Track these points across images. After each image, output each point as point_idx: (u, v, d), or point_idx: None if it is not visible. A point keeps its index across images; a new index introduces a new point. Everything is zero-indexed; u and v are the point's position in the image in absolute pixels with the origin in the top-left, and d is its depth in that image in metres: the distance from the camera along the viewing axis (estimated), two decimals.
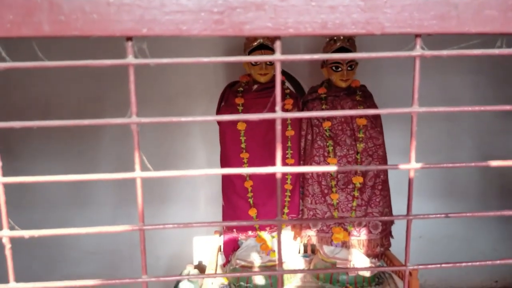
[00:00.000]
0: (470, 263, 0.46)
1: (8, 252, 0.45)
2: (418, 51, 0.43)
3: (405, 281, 0.47)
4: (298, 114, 0.43)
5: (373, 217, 2.27)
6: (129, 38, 0.41)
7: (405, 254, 0.47)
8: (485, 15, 0.42)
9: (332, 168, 0.45)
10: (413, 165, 0.44)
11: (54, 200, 2.85)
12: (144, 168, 0.46)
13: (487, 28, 0.42)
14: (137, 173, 0.44)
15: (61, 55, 2.82)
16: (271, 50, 2.11)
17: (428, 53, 0.42)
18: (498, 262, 0.48)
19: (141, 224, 0.45)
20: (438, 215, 0.46)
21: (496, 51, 0.43)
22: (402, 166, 0.44)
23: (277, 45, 0.42)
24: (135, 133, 0.43)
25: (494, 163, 0.46)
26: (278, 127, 0.44)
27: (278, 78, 0.44)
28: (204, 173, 0.45)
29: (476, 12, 0.42)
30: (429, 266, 0.47)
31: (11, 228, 0.45)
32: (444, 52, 0.42)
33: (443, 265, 0.46)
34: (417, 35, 0.43)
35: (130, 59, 0.42)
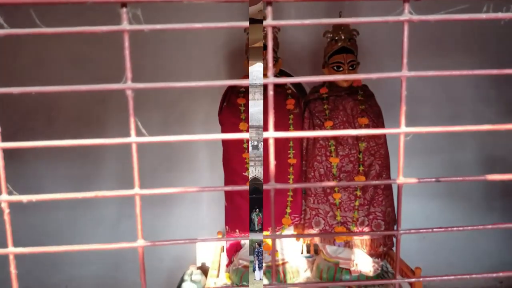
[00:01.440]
0: (462, 228, 0.47)
1: (6, 217, 0.45)
2: (406, 16, 0.43)
3: (397, 246, 0.48)
4: (289, 80, 0.44)
5: (376, 217, 2.27)
6: (123, 5, 0.42)
7: (397, 219, 0.48)
8: None
9: (330, 133, 0.46)
10: (403, 129, 0.45)
11: (58, 200, 2.87)
12: (139, 135, 0.46)
13: None
14: (133, 138, 0.45)
15: (61, 55, 2.85)
16: (273, 52, 2.13)
17: (416, 17, 0.43)
18: (489, 226, 0.48)
19: (137, 189, 0.46)
20: (428, 180, 0.46)
21: (483, 15, 0.44)
22: (392, 131, 0.45)
23: (268, 10, 0.43)
24: (130, 99, 0.44)
25: (486, 126, 0.46)
26: (270, 92, 0.44)
27: (270, 44, 0.45)
28: (201, 138, 0.46)
29: None
30: (421, 230, 0.47)
31: (10, 194, 0.46)
32: (431, 17, 0.43)
33: (434, 229, 0.47)
34: (405, 0, 0.43)
35: (125, 25, 0.43)
